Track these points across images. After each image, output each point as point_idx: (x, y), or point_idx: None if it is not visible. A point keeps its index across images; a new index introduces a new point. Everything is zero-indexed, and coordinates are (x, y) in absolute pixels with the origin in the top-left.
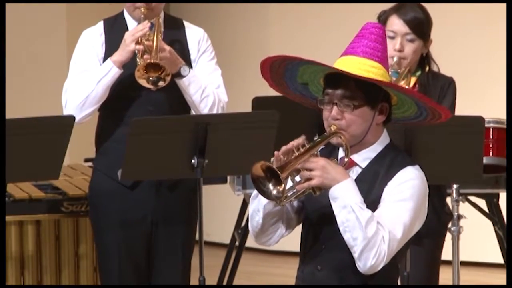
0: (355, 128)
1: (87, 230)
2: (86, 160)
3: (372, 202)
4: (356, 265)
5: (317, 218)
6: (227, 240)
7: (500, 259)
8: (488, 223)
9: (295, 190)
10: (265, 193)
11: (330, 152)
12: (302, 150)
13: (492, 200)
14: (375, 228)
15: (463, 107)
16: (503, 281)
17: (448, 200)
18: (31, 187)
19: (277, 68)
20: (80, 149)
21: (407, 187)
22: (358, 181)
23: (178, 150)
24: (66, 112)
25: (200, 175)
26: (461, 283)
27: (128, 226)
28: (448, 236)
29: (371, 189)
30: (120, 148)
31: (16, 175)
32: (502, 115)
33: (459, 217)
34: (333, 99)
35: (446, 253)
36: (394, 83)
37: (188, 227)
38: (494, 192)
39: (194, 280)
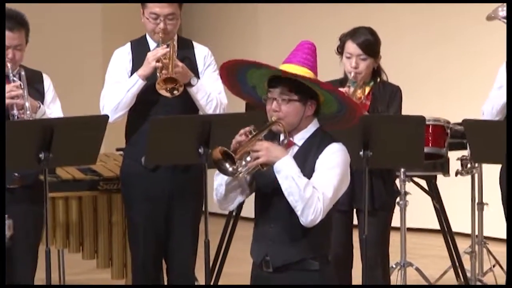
0: (290, 118)
1: (118, 204)
2: (118, 149)
3: (308, 171)
4: (300, 220)
5: (266, 190)
6: (226, 211)
7: (436, 226)
8: (428, 198)
9: (247, 167)
10: (223, 171)
11: (274, 136)
12: (250, 136)
13: (431, 181)
14: (311, 191)
15: (406, 108)
16: (438, 243)
17: (397, 181)
18: (74, 170)
19: (232, 72)
20: (112, 141)
21: (334, 157)
22: (297, 156)
23: (188, 141)
24: (103, 114)
25: (205, 161)
26: (407, 244)
27: (150, 201)
28: (397, 208)
29: (306, 161)
30: (144, 140)
31: (63, 161)
32: (437, 114)
33: (406, 193)
34: (274, 95)
35: (396, 221)
36: (319, 80)
37: (196, 201)
38: (432, 174)
39: (200, 242)
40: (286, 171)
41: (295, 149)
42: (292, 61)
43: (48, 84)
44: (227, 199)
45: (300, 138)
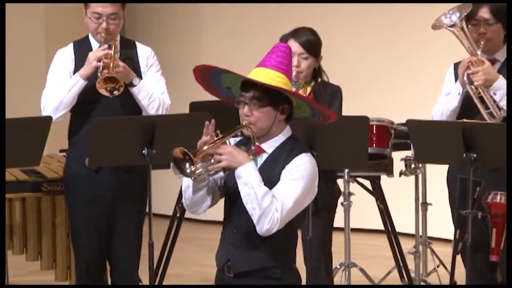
0: (262, 123)
1: (61, 205)
2: (61, 151)
3: (275, 180)
4: (256, 228)
5: (233, 194)
6: (170, 212)
7: (380, 226)
8: (372, 199)
9: (208, 169)
10: (182, 171)
11: (247, 141)
12: (216, 138)
13: (375, 181)
14: (269, 200)
15: (351, 108)
16: (382, 243)
17: (341, 181)
18: (18, 172)
19: (206, 75)
20: (56, 142)
21: (300, 169)
22: (265, 163)
23: (132, 142)
24: (44, 114)
25: (149, 162)
26: (351, 245)
27: (94, 202)
28: (341, 209)
29: (273, 170)
30: (87, 141)
31: (6, 162)
32: (382, 114)
33: (350, 194)
34: (245, 100)
35: (340, 222)
36: (291, 90)
37: (140, 202)
38: (376, 175)
39: (144, 243)
40: (246, 178)
41: (264, 156)
42: (266, 65)
43: None
44: (195, 202)
45: (270, 146)
